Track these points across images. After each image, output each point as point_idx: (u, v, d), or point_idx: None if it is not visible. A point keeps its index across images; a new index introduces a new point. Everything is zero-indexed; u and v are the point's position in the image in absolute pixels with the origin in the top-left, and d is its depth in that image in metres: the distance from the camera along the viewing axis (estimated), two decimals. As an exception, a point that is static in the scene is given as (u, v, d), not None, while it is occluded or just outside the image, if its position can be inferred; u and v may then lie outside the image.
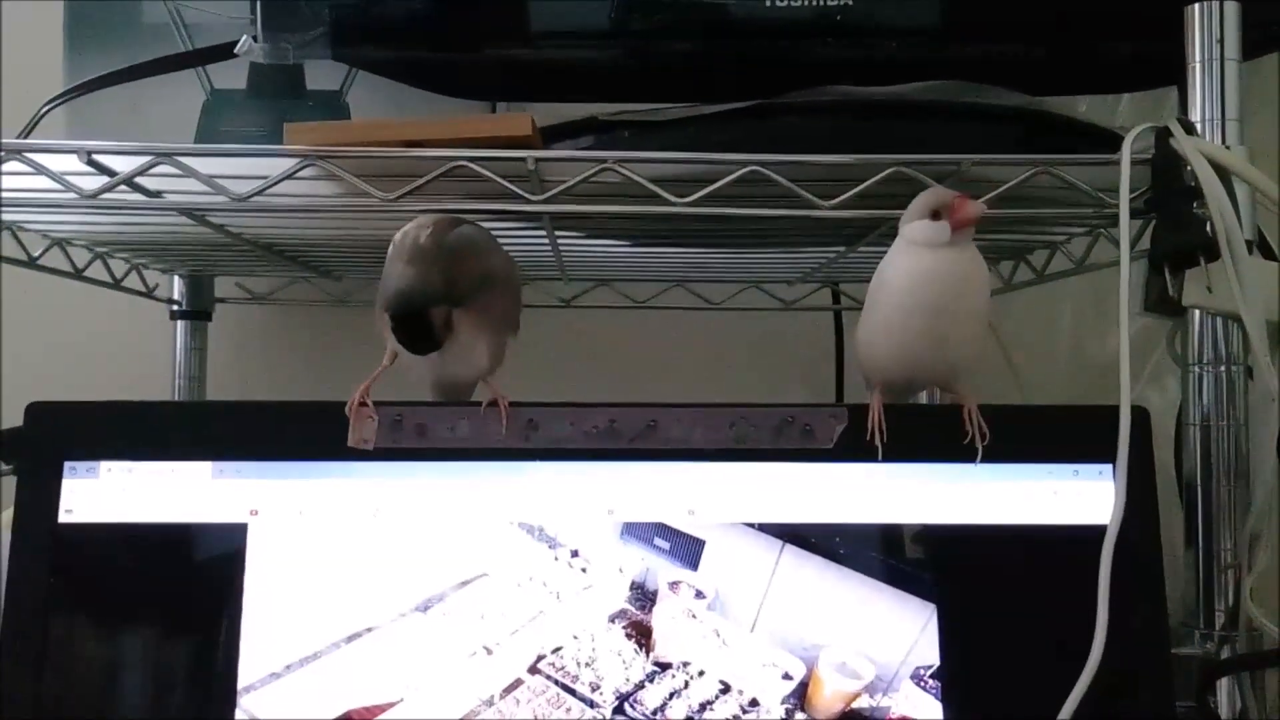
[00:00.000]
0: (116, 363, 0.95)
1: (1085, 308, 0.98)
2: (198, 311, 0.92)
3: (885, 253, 0.76)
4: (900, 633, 0.56)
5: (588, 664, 0.55)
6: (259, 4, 0.62)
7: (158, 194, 0.56)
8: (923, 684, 0.55)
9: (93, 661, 0.55)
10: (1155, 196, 0.55)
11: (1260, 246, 0.56)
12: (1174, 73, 0.57)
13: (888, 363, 0.57)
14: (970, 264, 0.54)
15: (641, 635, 0.56)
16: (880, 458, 0.56)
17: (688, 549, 0.57)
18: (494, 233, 0.68)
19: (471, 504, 0.57)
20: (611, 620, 0.56)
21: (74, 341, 0.95)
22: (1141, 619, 0.55)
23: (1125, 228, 0.53)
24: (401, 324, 0.51)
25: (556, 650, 0.56)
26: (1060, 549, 0.56)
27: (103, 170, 0.53)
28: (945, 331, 0.55)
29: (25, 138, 0.66)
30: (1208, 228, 0.53)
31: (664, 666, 0.56)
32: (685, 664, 0.56)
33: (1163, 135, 0.54)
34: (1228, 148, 0.54)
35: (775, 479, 0.57)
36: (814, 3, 0.61)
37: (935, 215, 0.53)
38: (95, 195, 0.54)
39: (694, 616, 0.56)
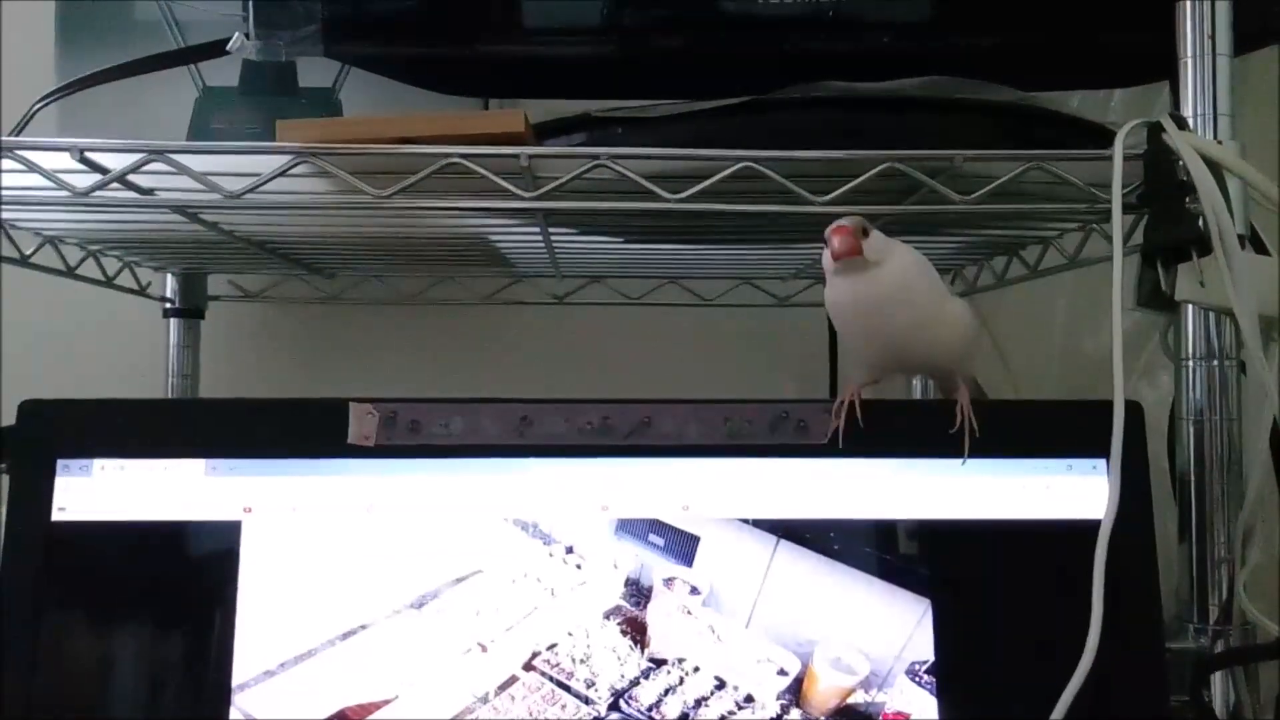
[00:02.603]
0: (109, 361, 0.95)
1: (1078, 303, 0.98)
2: (190, 309, 0.92)
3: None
4: (895, 628, 0.56)
5: (583, 661, 0.55)
6: (251, 1, 0.62)
7: (150, 191, 0.56)
8: (918, 679, 0.55)
9: (86, 660, 0.55)
10: (1148, 192, 0.55)
11: (1253, 241, 0.56)
12: (1166, 68, 0.57)
13: (862, 364, 0.58)
14: (883, 283, 0.54)
15: (636, 631, 0.56)
16: (839, 448, 0.57)
17: (682, 545, 0.57)
18: (488, 229, 0.69)
19: (466, 501, 0.57)
20: (606, 617, 0.56)
21: (67, 339, 0.95)
22: (1136, 614, 0.55)
23: (1118, 223, 0.53)
24: None
25: (551, 647, 0.56)
26: (1054, 544, 0.57)
27: (95, 168, 0.53)
28: (894, 342, 0.56)
29: (17, 135, 0.66)
30: (1200, 223, 0.53)
31: (659, 663, 0.56)
32: (680, 660, 0.56)
33: (1155, 130, 0.54)
34: (1220, 143, 0.55)
35: (770, 475, 0.57)
36: (806, -2, 0.61)
37: None
38: (88, 193, 0.53)
39: (689, 613, 0.56)
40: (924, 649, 0.56)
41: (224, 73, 0.77)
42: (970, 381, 0.61)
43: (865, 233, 0.54)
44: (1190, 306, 0.56)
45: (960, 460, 0.57)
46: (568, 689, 0.55)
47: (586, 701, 0.55)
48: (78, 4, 0.79)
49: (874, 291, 0.54)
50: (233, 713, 0.54)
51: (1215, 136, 0.55)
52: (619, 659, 0.56)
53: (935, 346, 0.56)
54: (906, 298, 0.55)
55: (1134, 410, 0.54)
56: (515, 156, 0.53)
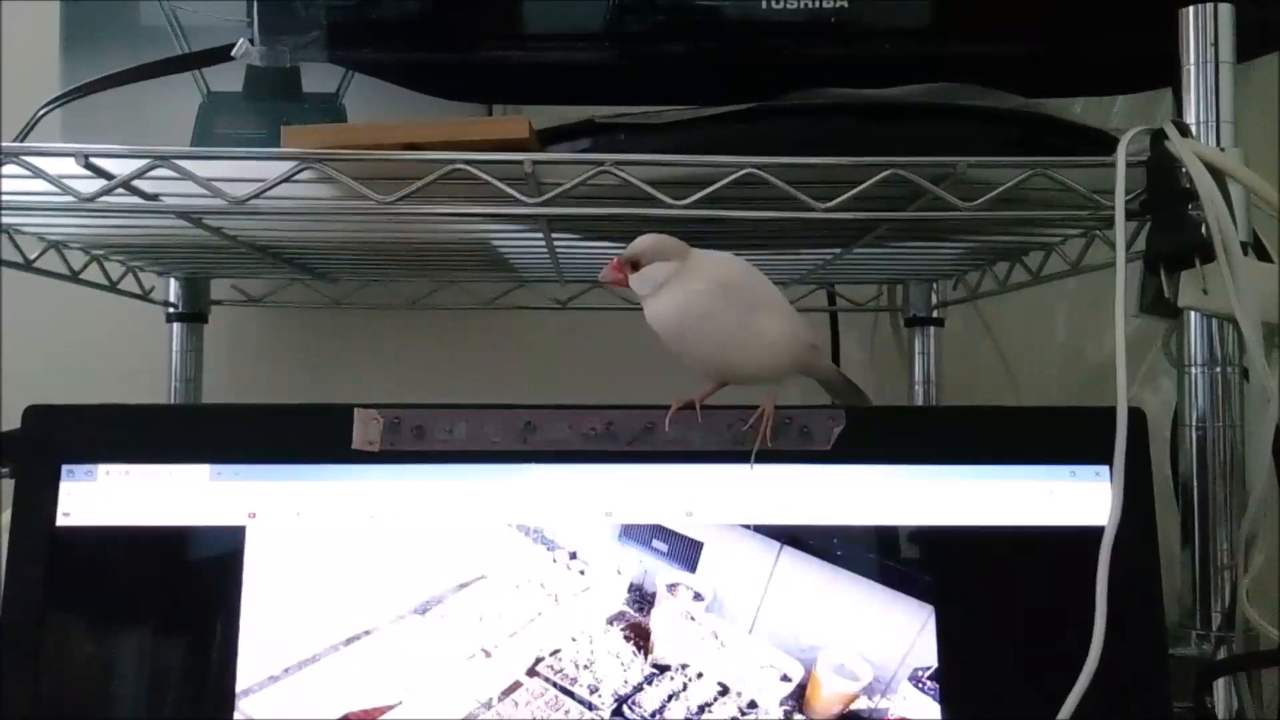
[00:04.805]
0: (113, 365, 0.95)
1: (1081, 309, 0.99)
2: (194, 314, 0.92)
3: (882, 254, 0.76)
4: (898, 634, 0.56)
5: (586, 666, 0.55)
6: (256, 6, 0.62)
7: (155, 197, 0.56)
8: (921, 685, 0.55)
9: (90, 664, 0.55)
10: (1150, 198, 0.55)
11: (1255, 248, 0.56)
12: (1169, 75, 0.57)
13: (686, 366, 0.59)
14: (672, 311, 0.56)
15: (640, 637, 0.56)
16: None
17: (686, 551, 0.57)
18: (491, 234, 0.69)
19: (469, 506, 0.57)
20: (610, 622, 0.56)
21: (70, 344, 0.95)
22: (1139, 620, 0.55)
23: (1121, 229, 0.53)
24: None
25: (555, 652, 0.56)
26: (1057, 550, 0.57)
27: (100, 173, 0.53)
28: (701, 358, 0.57)
29: (22, 141, 0.66)
30: (1203, 229, 0.53)
31: (662, 668, 0.56)
32: (684, 666, 0.56)
33: (1158, 137, 0.54)
34: (1223, 149, 0.55)
35: (773, 480, 0.57)
36: (809, 5, 0.61)
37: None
38: (92, 199, 0.54)
39: (692, 618, 0.56)
40: (927, 655, 0.56)
41: (228, 78, 0.77)
42: (840, 381, 0.65)
43: (636, 265, 0.56)
44: (1193, 313, 0.56)
45: (964, 465, 0.57)
46: (571, 695, 0.55)
47: (590, 707, 0.55)
48: (82, 8, 0.79)
49: (666, 316, 0.56)
50: (237, 717, 0.54)
51: (1218, 143, 0.55)
52: (622, 665, 0.56)
53: (747, 361, 0.57)
54: (698, 323, 0.56)
55: (1137, 416, 0.54)
56: (519, 163, 0.54)
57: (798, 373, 0.61)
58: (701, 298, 0.55)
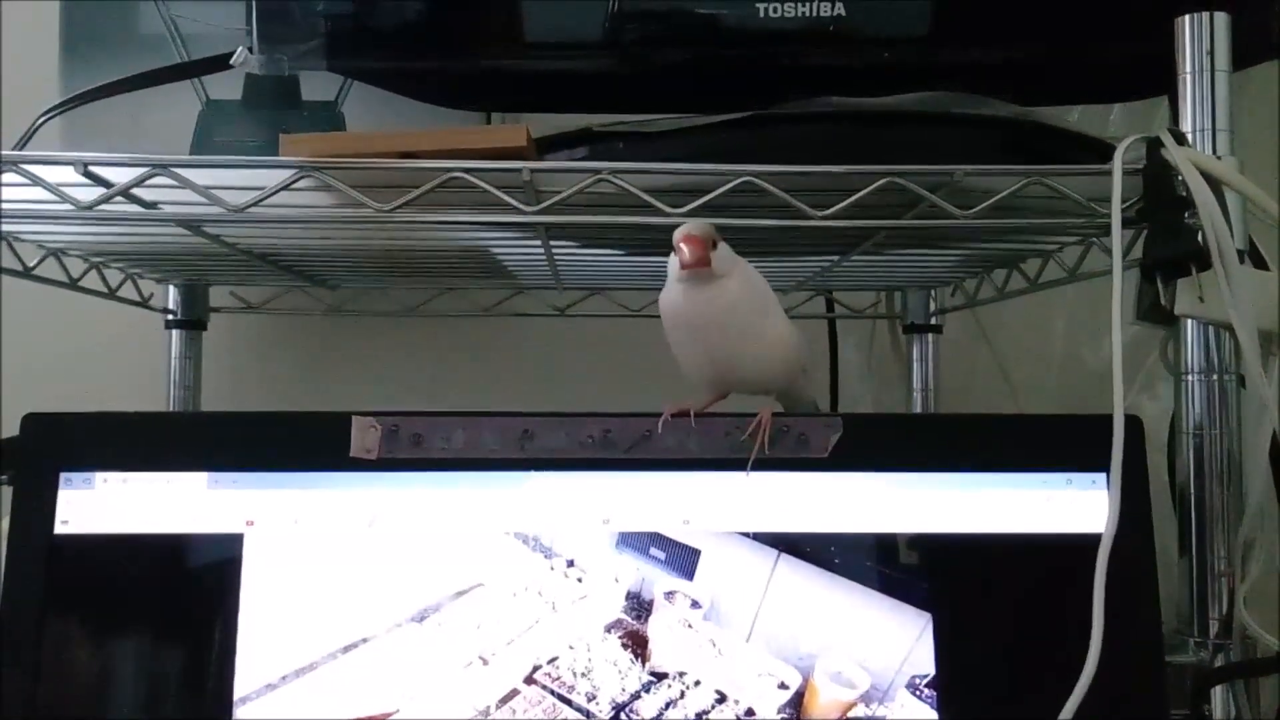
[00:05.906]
0: (111, 372, 0.95)
1: (1078, 316, 0.99)
2: (192, 321, 0.92)
3: (880, 261, 0.76)
4: (896, 642, 0.56)
5: (584, 674, 0.55)
6: (255, 15, 0.62)
7: (154, 205, 0.56)
8: (918, 693, 0.55)
9: (88, 672, 0.55)
10: (1147, 206, 0.55)
11: (1251, 255, 0.56)
12: (1166, 83, 0.57)
13: (691, 378, 0.59)
14: (721, 297, 0.55)
15: (637, 645, 0.56)
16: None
17: (683, 558, 0.57)
18: (489, 242, 0.69)
19: (467, 514, 0.57)
20: (607, 630, 0.56)
21: (69, 351, 0.95)
22: (1136, 627, 0.55)
23: (1117, 237, 0.53)
24: None
25: (552, 660, 0.56)
26: (1054, 558, 0.57)
27: (99, 181, 0.53)
28: (718, 355, 0.57)
29: (21, 149, 0.66)
30: (1199, 237, 0.53)
31: (660, 676, 0.56)
32: (681, 674, 0.56)
33: (1154, 146, 0.54)
34: (1219, 158, 0.55)
35: (770, 488, 0.57)
36: (807, 13, 0.62)
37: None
38: (91, 207, 0.54)
39: (689, 626, 0.56)
40: (925, 663, 0.56)
41: (227, 86, 0.77)
42: (810, 404, 0.65)
43: (714, 244, 0.55)
44: (1189, 321, 0.56)
45: (961, 473, 0.57)
46: (569, 702, 0.55)
47: (588, 715, 0.55)
48: (82, 16, 0.80)
49: (711, 303, 0.55)
50: (234, 726, 0.54)
51: (1214, 151, 0.55)
52: (620, 672, 0.56)
53: (755, 364, 0.57)
54: (736, 314, 0.56)
55: (1134, 424, 0.55)
56: (517, 171, 0.54)
57: (783, 389, 0.61)
58: (727, 292, 0.55)
